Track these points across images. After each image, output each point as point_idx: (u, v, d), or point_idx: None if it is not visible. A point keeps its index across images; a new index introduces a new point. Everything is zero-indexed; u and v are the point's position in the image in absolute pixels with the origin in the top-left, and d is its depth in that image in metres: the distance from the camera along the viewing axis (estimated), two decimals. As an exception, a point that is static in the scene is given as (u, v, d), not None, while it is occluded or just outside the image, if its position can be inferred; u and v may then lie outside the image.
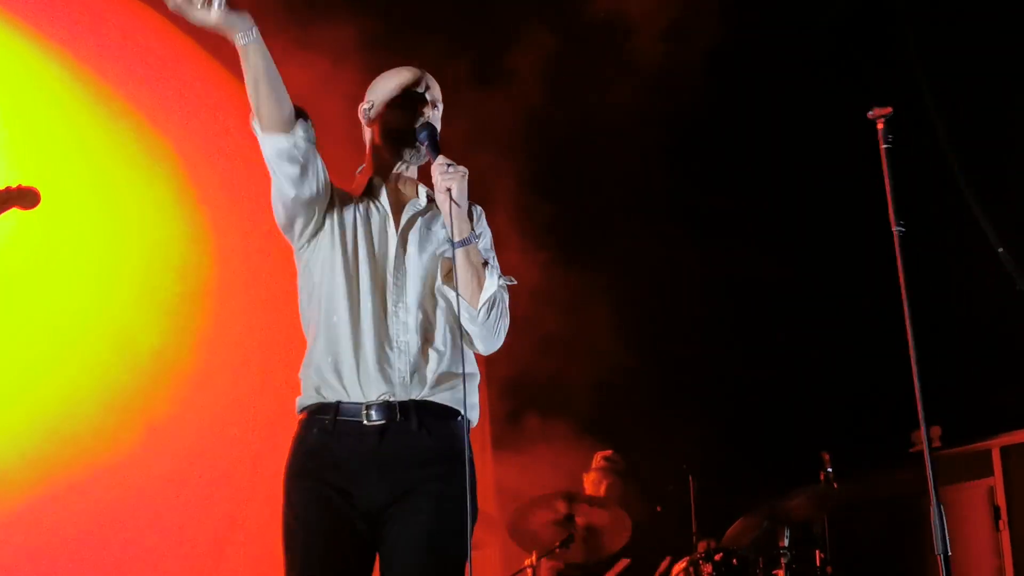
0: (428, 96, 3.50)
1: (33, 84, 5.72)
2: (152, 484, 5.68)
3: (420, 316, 3.35)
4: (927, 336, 6.50)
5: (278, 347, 5.78)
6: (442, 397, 3.32)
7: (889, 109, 3.70)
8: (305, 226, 3.36)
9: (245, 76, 3.14)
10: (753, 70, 7.13)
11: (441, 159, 3.32)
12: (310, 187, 3.28)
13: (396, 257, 3.38)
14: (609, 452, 6.50)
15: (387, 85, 3.54)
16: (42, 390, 5.51)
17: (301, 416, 3.36)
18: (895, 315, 6.59)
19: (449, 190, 3.27)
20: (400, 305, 3.34)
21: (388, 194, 3.47)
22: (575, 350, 6.73)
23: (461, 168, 3.30)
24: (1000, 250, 6.29)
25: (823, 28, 7.18)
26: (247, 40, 3.09)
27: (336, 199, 3.42)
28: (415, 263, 3.40)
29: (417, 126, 3.43)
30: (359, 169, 3.57)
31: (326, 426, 3.28)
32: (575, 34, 6.60)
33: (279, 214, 3.36)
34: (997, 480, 6.37)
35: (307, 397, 3.35)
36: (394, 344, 3.30)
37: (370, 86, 3.60)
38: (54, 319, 5.60)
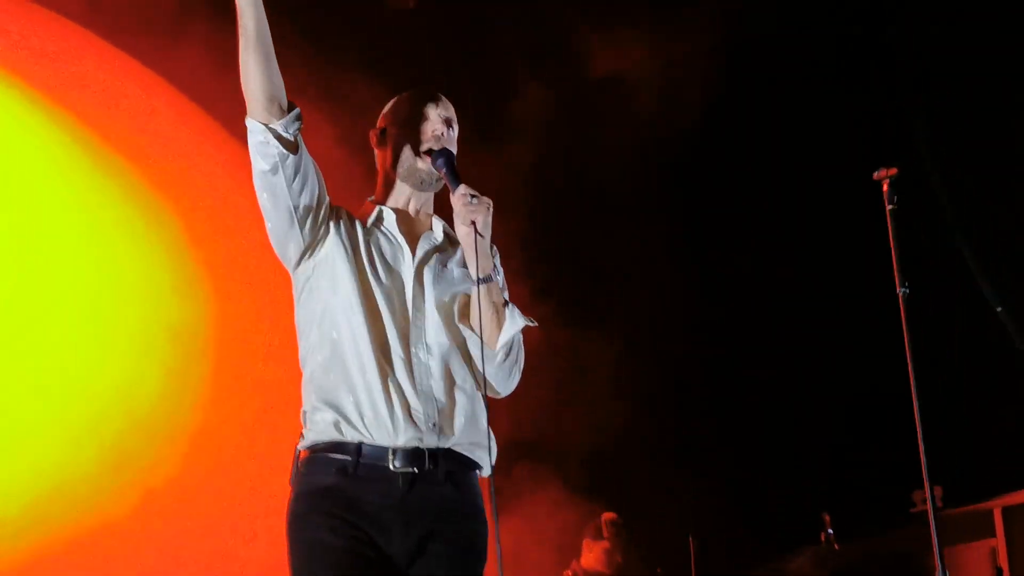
0: (444, 117, 3.30)
1: (35, 146, 5.73)
2: (151, 543, 5.63)
3: (442, 359, 3.14)
4: (929, 396, 6.50)
5: (278, 402, 5.74)
6: (467, 447, 3.11)
7: (895, 170, 3.68)
8: (302, 243, 3.10)
9: (240, 45, 2.97)
10: (749, 126, 7.15)
11: (463, 189, 3.12)
12: (284, 193, 3.03)
13: (414, 295, 3.16)
14: (613, 515, 6.44)
15: (402, 107, 3.33)
16: (43, 448, 5.45)
17: (306, 453, 3.10)
18: (895, 375, 6.60)
19: (474, 223, 3.09)
20: (420, 346, 3.12)
21: (400, 223, 3.23)
22: (571, 409, 6.70)
23: (486, 199, 3.11)
24: (999, 309, 6.30)
25: (822, 82, 7.22)
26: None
27: (343, 220, 3.18)
28: (433, 301, 3.17)
29: (434, 151, 3.22)
30: (370, 198, 3.34)
31: (346, 467, 3.01)
32: (573, 92, 6.61)
33: (270, 230, 3.11)
34: (999, 541, 6.34)
35: (319, 433, 3.06)
36: (418, 387, 3.07)
37: (385, 109, 3.38)
38: (54, 376, 5.56)
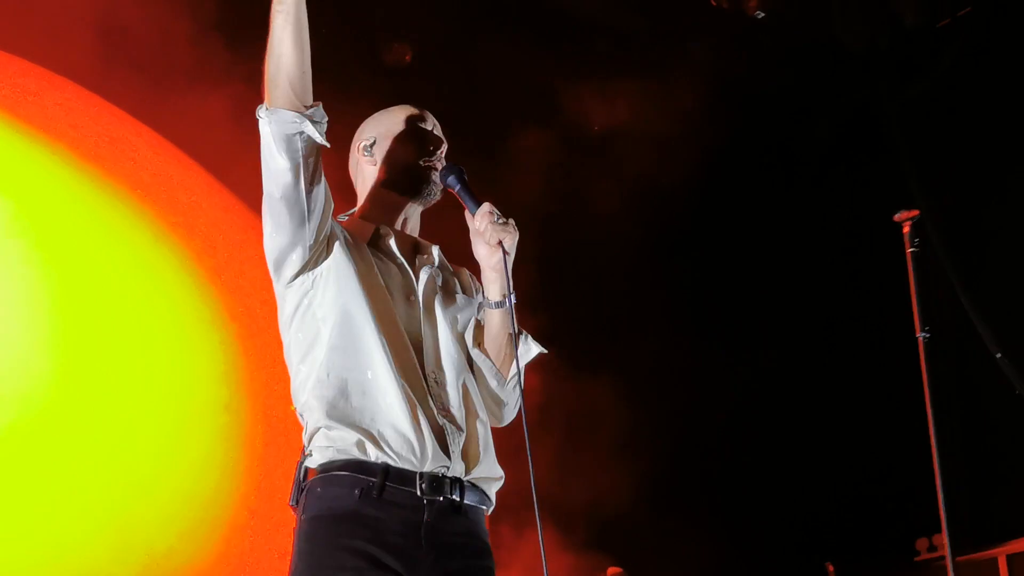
0: (437, 134, 3.21)
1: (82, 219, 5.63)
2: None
3: (457, 386, 3.03)
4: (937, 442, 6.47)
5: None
6: (483, 480, 3.00)
7: (916, 212, 3.58)
8: (306, 251, 2.94)
9: (276, 22, 2.80)
10: (749, 177, 7.19)
11: (488, 207, 3.00)
12: (302, 191, 2.87)
13: (426, 321, 3.04)
14: (619, 570, 6.39)
15: (392, 119, 3.21)
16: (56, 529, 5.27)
17: (318, 472, 2.91)
18: (902, 421, 6.59)
19: (501, 243, 2.98)
20: (436, 372, 3.00)
21: (398, 244, 3.11)
22: (573, 461, 6.67)
23: (511, 220, 3.00)
24: (999, 355, 6.30)
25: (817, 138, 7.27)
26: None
27: (344, 234, 3.03)
28: (444, 326, 3.07)
29: (446, 166, 3.12)
30: (348, 213, 3.22)
31: (371, 489, 2.83)
32: (569, 144, 6.63)
33: (271, 234, 2.94)
34: (1005, 588, 6.29)
35: (337, 452, 2.88)
36: (441, 414, 2.95)
37: (366, 123, 3.26)
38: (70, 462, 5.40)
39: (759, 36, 6.76)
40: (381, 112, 3.25)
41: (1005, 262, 6.53)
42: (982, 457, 6.36)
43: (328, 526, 2.84)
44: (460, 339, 3.10)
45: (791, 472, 6.95)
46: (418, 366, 2.97)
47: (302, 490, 2.93)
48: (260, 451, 5.83)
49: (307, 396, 2.96)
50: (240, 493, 5.74)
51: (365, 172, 3.21)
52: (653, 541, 6.66)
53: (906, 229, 3.57)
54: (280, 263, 2.95)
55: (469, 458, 2.97)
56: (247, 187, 5.69)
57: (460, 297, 3.16)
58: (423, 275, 3.10)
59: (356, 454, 2.87)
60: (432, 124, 3.21)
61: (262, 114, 2.83)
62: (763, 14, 6.44)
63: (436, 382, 2.99)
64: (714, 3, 6.51)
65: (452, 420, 2.96)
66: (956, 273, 6.48)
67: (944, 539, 3.14)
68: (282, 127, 2.80)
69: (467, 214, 3.05)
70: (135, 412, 5.47)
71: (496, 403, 3.14)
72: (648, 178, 6.51)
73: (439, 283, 3.13)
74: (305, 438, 2.99)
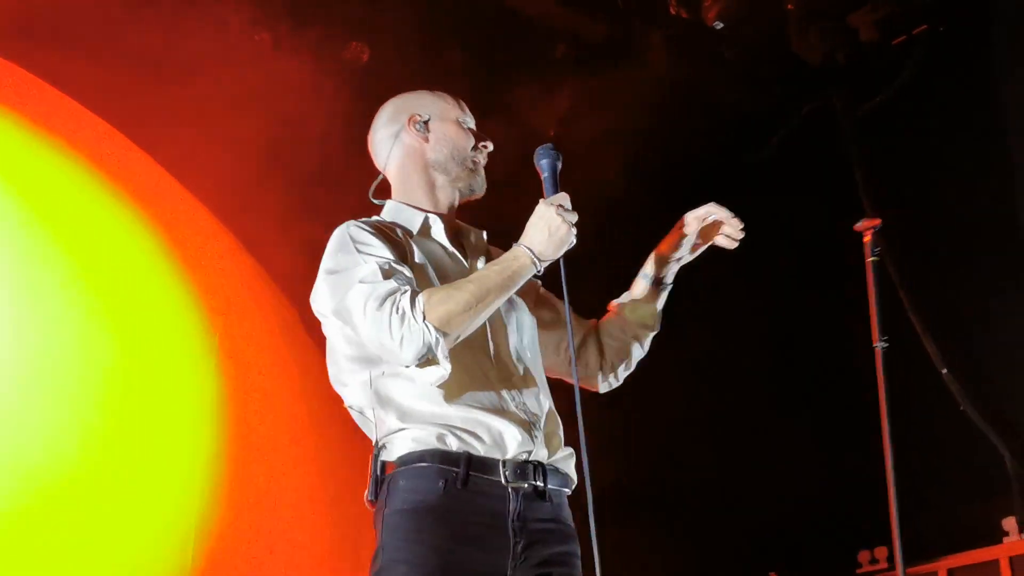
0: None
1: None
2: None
3: (531, 369, 3.04)
4: (871, 454, 6.52)
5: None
6: (563, 461, 2.99)
7: (878, 221, 3.59)
8: None
9: (484, 305, 2.84)
10: (706, 186, 7.20)
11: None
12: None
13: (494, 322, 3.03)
14: None
15: (443, 103, 3.21)
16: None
17: (397, 466, 2.88)
18: (835, 433, 6.63)
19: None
20: (512, 359, 3.01)
21: (448, 232, 3.12)
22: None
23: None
24: (944, 371, 6.36)
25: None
26: (536, 269, 2.90)
27: (404, 248, 3.01)
28: (511, 312, 3.08)
29: (541, 150, 3.07)
30: (382, 201, 3.20)
31: (455, 479, 2.81)
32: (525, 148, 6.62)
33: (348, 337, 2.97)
34: (945, 602, 6.34)
35: (415, 443, 2.86)
36: (520, 398, 2.95)
37: (404, 99, 3.24)
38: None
39: (718, 46, 6.79)
40: (421, 93, 3.25)
41: (953, 277, 6.59)
42: (928, 469, 6.41)
43: (412, 520, 2.81)
44: (526, 322, 3.11)
45: (738, 481, 6.97)
46: (492, 355, 2.97)
47: (380, 483, 2.90)
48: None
49: (376, 392, 2.94)
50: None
51: (410, 148, 3.18)
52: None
53: (867, 239, 3.57)
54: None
55: (550, 442, 2.96)
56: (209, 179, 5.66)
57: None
58: (479, 264, 3.11)
59: (436, 444, 2.84)
60: (474, 121, 3.24)
61: (416, 316, 2.78)
62: (722, 24, 6.47)
63: (513, 368, 2.99)
64: (673, 11, 6.53)
65: (532, 403, 2.96)
66: (905, 288, 6.53)
67: (896, 552, 3.11)
68: (427, 347, 2.79)
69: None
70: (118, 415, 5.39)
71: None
72: (603, 184, 6.51)
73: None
74: (377, 433, 2.96)
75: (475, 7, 6.31)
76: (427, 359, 2.80)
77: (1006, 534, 6.07)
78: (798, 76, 7.02)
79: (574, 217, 2.94)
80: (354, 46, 6.04)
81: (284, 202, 5.63)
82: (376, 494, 2.90)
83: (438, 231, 3.10)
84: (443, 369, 2.81)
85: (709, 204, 3.23)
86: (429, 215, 3.11)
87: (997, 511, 6.13)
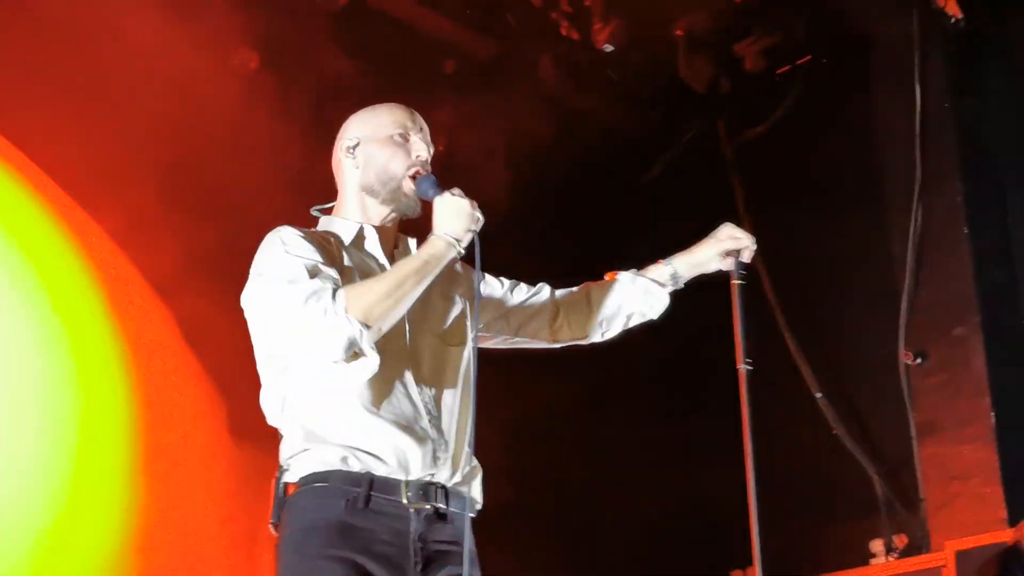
0: (424, 140, 3.18)
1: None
2: None
3: (443, 388, 3.02)
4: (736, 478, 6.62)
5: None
6: (469, 487, 2.99)
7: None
8: None
9: (407, 285, 2.84)
10: (588, 207, 7.27)
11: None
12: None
13: (416, 325, 3.01)
14: None
15: (377, 121, 3.18)
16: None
17: (299, 486, 2.88)
18: (708, 453, 6.72)
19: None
20: (429, 377, 3.00)
21: (383, 247, 3.10)
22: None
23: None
24: (818, 395, 6.48)
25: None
26: (454, 251, 2.91)
27: (334, 257, 2.99)
28: (436, 327, 3.06)
29: (420, 175, 3.09)
30: (328, 206, 3.20)
31: (356, 500, 2.81)
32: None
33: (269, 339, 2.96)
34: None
35: (319, 464, 2.85)
36: (427, 420, 2.93)
37: (351, 119, 3.23)
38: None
39: (606, 69, 6.86)
40: (368, 110, 3.23)
41: (828, 302, 6.73)
42: (798, 491, 6.52)
43: (315, 537, 2.80)
44: (452, 336, 3.09)
45: (611, 502, 7.03)
46: (410, 374, 2.95)
47: (283, 505, 2.88)
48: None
49: (286, 411, 2.93)
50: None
51: (346, 173, 3.18)
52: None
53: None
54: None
55: (456, 463, 2.95)
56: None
57: (448, 292, 3.15)
58: None
59: (338, 466, 2.84)
60: (419, 129, 3.18)
61: (338, 310, 2.77)
62: (611, 48, 6.54)
63: (427, 388, 2.97)
64: (564, 32, 6.59)
65: (439, 425, 2.94)
66: (780, 312, 6.66)
67: (757, 573, 3.14)
68: (350, 341, 2.78)
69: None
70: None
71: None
72: (487, 201, 6.53)
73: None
74: (283, 452, 2.94)
75: (367, 19, 6.30)
76: (353, 353, 2.80)
77: (873, 555, 6.20)
78: (684, 101, 7.13)
79: (473, 201, 2.99)
80: (242, 51, 5.99)
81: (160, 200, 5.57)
82: (278, 516, 2.90)
83: (372, 243, 3.10)
84: (371, 361, 2.81)
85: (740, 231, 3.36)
86: (364, 226, 3.12)
87: (865, 533, 6.26)
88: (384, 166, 3.11)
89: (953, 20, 6.10)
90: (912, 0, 6.32)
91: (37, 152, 5.62)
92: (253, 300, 2.96)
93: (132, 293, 5.83)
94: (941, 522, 6.07)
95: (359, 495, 2.81)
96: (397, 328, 2.93)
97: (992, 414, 5.98)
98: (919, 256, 6.25)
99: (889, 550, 6.18)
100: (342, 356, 2.79)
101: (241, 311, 3.04)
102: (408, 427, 2.88)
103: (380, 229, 3.14)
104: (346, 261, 3.01)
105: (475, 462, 3.04)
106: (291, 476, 2.89)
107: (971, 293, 6.12)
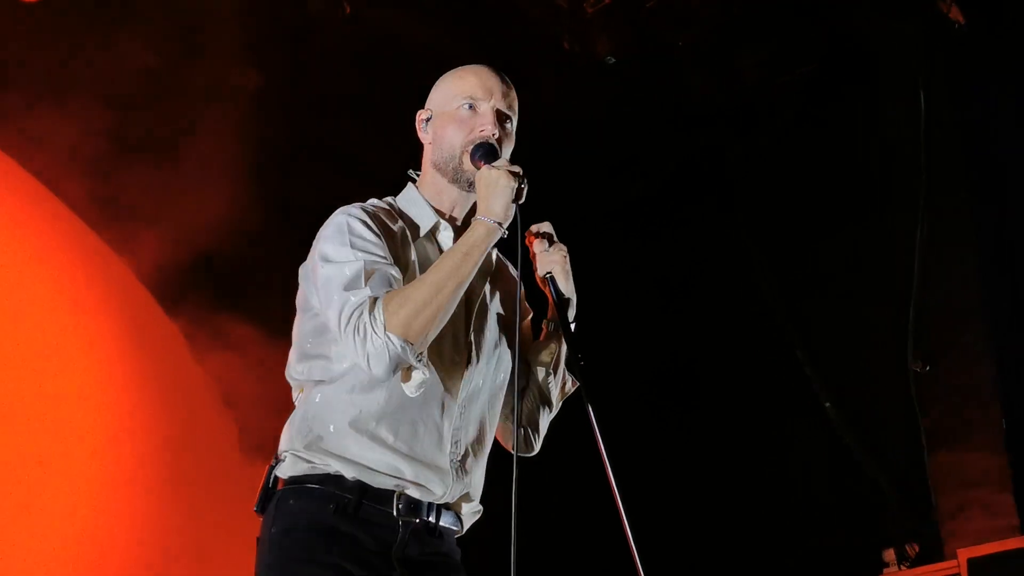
0: (497, 108, 2.96)
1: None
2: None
3: (481, 413, 2.93)
4: (760, 485, 6.57)
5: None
6: (461, 505, 2.91)
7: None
8: None
9: (449, 285, 2.72)
10: (588, 221, 7.24)
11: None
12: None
13: (471, 336, 2.91)
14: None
15: (449, 91, 3.00)
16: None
17: (289, 483, 2.82)
18: (724, 462, 6.67)
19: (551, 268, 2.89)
20: (467, 403, 2.89)
21: (455, 241, 2.90)
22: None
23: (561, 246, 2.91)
24: (827, 404, 6.46)
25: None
26: (496, 234, 2.77)
27: (396, 248, 2.88)
28: (486, 344, 2.94)
29: (477, 149, 2.91)
30: (417, 173, 3.05)
31: (346, 506, 2.75)
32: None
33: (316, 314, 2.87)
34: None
35: (313, 466, 2.79)
36: (452, 441, 2.85)
37: (436, 85, 3.05)
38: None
39: (607, 80, 6.83)
40: (444, 77, 3.06)
41: (835, 311, 6.71)
42: (807, 500, 6.50)
43: (302, 539, 2.74)
44: (497, 360, 2.98)
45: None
46: (446, 390, 2.85)
47: (270, 497, 2.83)
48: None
49: (310, 401, 2.86)
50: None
51: (425, 147, 3.05)
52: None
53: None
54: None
55: (464, 486, 2.90)
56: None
57: (510, 304, 3.03)
58: (482, 283, 2.96)
59: (332, 470, 2.78)
60: (496, 97, 2.96)
61: (377, 330, 2.68)
62: (613, 60, 6.51)
63: (462, 413, 2.89)
64: (567, 46, 6.56)
65: (460, 451, 2.87)
66: (788, 322, 6.64)
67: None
68: (397, 359, 2.70)
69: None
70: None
71: (540, 435, 3.09)
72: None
73: (489, 296, 3.00)
74: (284, 440, 2.88)
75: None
76: (404, 369, 2.75)
77: (886, 565, 6.17)
78: (684, 113, 7.10)
79: (516, 168, 2.82)
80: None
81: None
82: (264, 508, 2.84)
83: (446, 238, 2.97)
84: (422, 374, 2.75)
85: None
86: (441, 222, 2.98)
87: (877, 542, 6.23)
88: (447, 144, 2.96)
89: (956, 25, 6.08)
90: (915, 6, 6.30)
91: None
92: (315, 284, 2.87)
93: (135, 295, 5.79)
94: (953, 530, 6.05)
95: (349, 501, 2.75)
96: (453, 334, 2.86)
97: (1002, 421, 5.97)
98: (926, 264, 6.23)
99: (901, 559, 6.14)
100: (387, 377, 2.74)
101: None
102: (428, 464, 2.82)
103: (453, 220, 3.00)
104: (412, 255, 2.90)
105: (478, 493, 2.97)
106: (283, 471, 2.84)
107: (979, 300, 6.10)
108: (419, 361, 2.73)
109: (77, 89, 5.33)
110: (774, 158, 7.07)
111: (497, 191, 2.79)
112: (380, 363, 2.69)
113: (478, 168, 2.87)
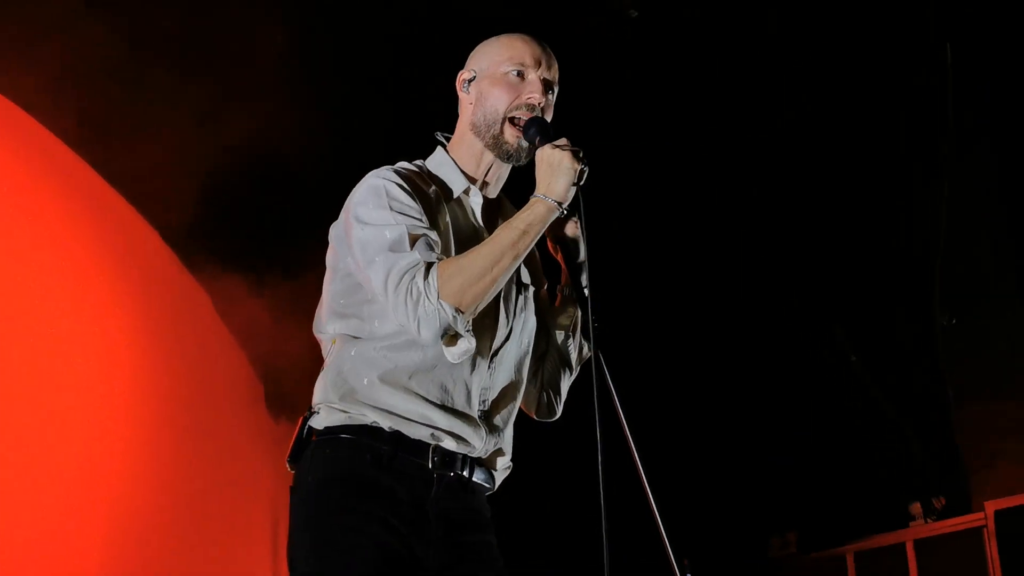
0: (544, 78, 2.95)
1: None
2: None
3: (510, 372, 2.94)
4: (787, 442, 6.59)
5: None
6: (494, 461, 2.92)
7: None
8: None
9: (507, 253, 2.72)
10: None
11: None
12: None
13: (504, 291, 2.90)
14: None
15: (496, 54, 2.98)
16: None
17: (324, 434, 2.81)
18: (752, 418, 6.69)
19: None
20: (496, 354, 2.90)
21: (484, 211, 2.96)
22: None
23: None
24: (853, 359, 6.45)
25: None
26: (555, 214, 2.76)
27: (432, 211, 2.87)
28: (514, 307, 2.96)
29: (526, 120, 2.91)
30: (447, 136, 3.05)
31: (381, 456, 2.75)
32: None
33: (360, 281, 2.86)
34: (852, 584, 6.45)
35: (349, 417, 2.79)
36: (484, 398, 2.87)
37: (476, 50, 3.04)
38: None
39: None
40: (492, 40, 3.02)
41: (862, 268, 6.68)
42: (833, 458, 6.51)
43: (341, 490, 2.74)
44: (524, 322, 2.99)
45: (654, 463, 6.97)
46: (479, 355, 2.85)
47: (304, 448, 2.82)
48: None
49: (346, 354, 2.85)
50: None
51: (462, 107, 3.03)
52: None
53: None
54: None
55: (500, 444, 2.91)
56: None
57: (533, 277, 3.05)
58: None
59: (369, 420, 2.77)
60: (544, 67, 2.96)
61: (431, 296, 2.68)
62: (635, 13, 6.43)
63: (491, 373, 2.90)
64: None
65: (488, 408, 2.88)
66: (815, 280, 6.61)
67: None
68: (441, 318, 2.69)
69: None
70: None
71: (560, 400, 3.11)
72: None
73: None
74: (317, 392, 2.87)
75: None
76: (450, 336, 2.74)
77: (913, 519, 6.18)
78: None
79: (577, 149, 2.80)
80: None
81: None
82: (297, 458, 2.83)
83: (475, 203, 2.98)
84: (468, 343, 2.76)
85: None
86: (472, 187, 2.98)
87: (904, 495, 6.25)
88: (491, 107, 2.95)
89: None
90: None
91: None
92: (350, 245, 2.86)
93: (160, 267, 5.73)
94: (980, 482, 6.05)
95: (385, 452, 2.75)
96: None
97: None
98: (953, 220, 6.21)
99: (928, 511, 6.15)
100: (435, 342, 2.74)
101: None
102: (458, 412, 2.82)
103: (485, 185, 3.01)
104: (446, 218, 2.91)
105: (509, 449, 2.98)
106: (317, 422, 2.83)
107: (1005, 253, 6.09)
108: (467, 331, 2.74)
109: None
110: (797, 119, 6.98)
111: (560, 172, 2.78)
112: (430, 329, 2.69)
113: (534, 145, 2.88)
